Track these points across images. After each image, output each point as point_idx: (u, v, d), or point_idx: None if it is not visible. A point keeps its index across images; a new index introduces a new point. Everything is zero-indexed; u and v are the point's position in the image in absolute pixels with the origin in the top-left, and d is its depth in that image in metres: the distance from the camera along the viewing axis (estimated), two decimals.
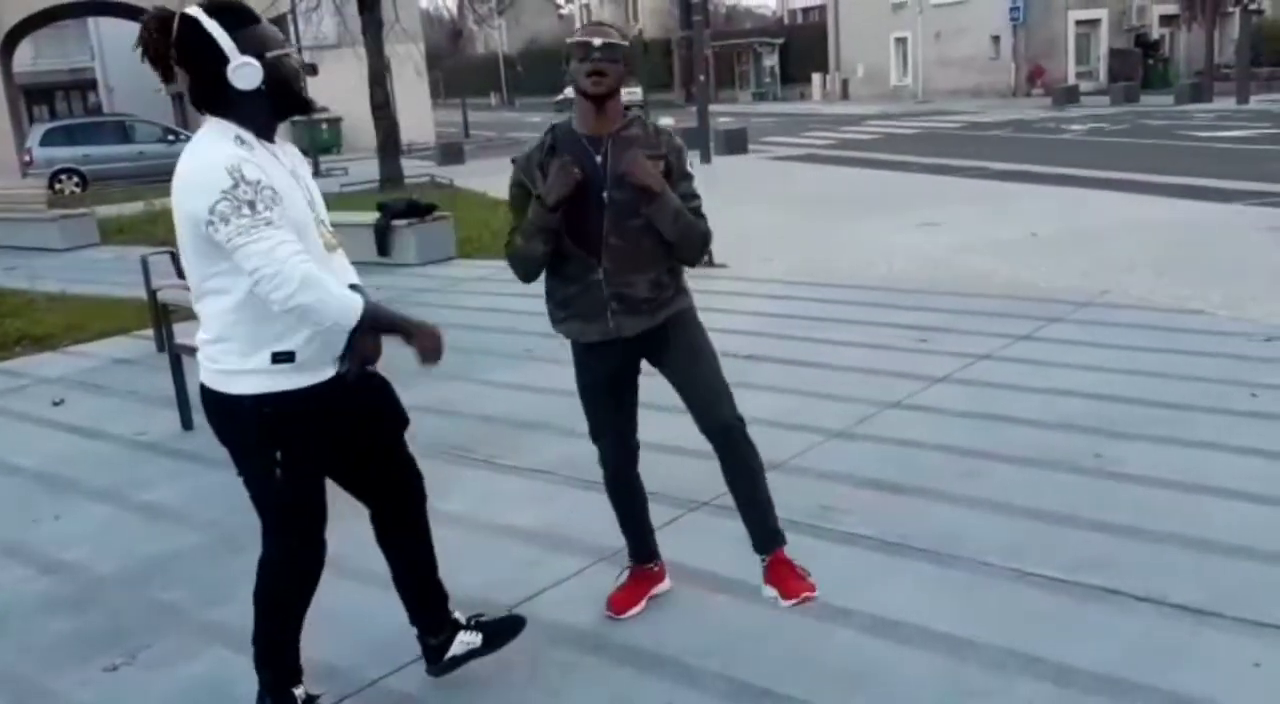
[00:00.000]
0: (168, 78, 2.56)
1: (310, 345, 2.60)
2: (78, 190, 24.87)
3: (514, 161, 3.17)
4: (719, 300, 8.14)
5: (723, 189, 16.50)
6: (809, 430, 5.09)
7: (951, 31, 39.39)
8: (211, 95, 2.55)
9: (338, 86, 23.89)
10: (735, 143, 22.52)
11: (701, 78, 20.75)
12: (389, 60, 21.48)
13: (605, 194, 3.06)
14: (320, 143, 31.32)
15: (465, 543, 3.93)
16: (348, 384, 2.67)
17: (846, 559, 3.78)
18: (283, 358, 2.58)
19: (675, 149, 3.15)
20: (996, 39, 38.42)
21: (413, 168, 21.88)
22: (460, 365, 6.15)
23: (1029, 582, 3.53)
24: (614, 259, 3.09)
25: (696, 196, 3.19)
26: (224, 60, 2.50)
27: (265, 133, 2.62)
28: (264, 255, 2.41)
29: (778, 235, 11.53)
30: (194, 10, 2.52)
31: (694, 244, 3.17)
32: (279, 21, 24.54)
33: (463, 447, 5.15)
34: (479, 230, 12.27)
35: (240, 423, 2.65)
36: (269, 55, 2.55)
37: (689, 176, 3.19)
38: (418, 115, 33.16)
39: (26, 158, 26.41)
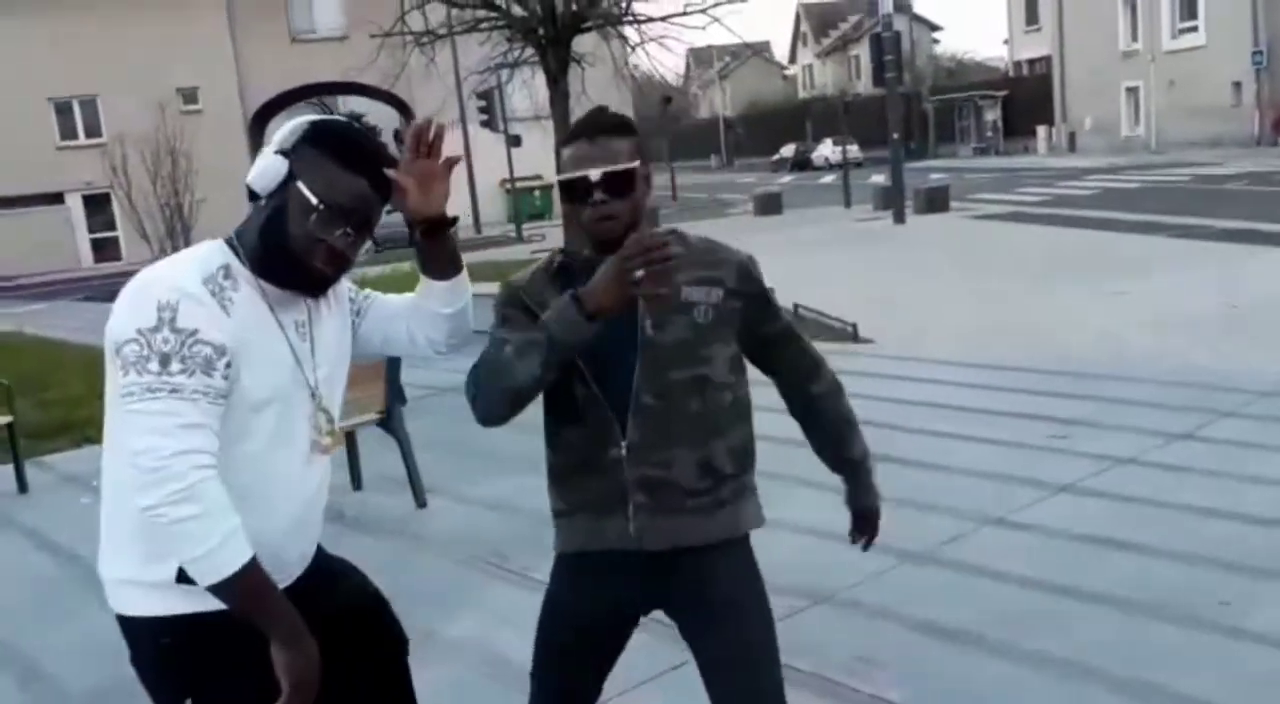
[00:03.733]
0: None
1: None
2: None
3: (508, 285, 2.19)
4: (850, 382, 7.50)
5: (903, 253, 15.74)
6: (883, 552, 4.39)
7: (1187, 79, 36.73)
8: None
9: (547, 153, 24.32)
10: (936, 201, 21.58)
11: (895, 136, 20.07)
12: None
13: (641, 331, 2.07)
14: (531, 209, 32.49)
15: (458, 680, 3.54)
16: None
17: None
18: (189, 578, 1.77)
19: (754, 279, 2.16)
20: (1238, 85, 35.53)
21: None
22: (536, 457, 5.81)
23: None
24: (644, 426, 2.06)
25: (796, 338, 2.28)
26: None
27: (274, 279, 1.92)
28: (151, 434, 1.71)
29: (941, 306, 10.72)
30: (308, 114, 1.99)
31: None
32: (486, 96, 25.49)
33: (500, 554, 4.77)
34: None
35: (136, 654, 1.91)
36: (308, 194, 1.87)
37: (780, 317, 2.25)
38: None
39: None
